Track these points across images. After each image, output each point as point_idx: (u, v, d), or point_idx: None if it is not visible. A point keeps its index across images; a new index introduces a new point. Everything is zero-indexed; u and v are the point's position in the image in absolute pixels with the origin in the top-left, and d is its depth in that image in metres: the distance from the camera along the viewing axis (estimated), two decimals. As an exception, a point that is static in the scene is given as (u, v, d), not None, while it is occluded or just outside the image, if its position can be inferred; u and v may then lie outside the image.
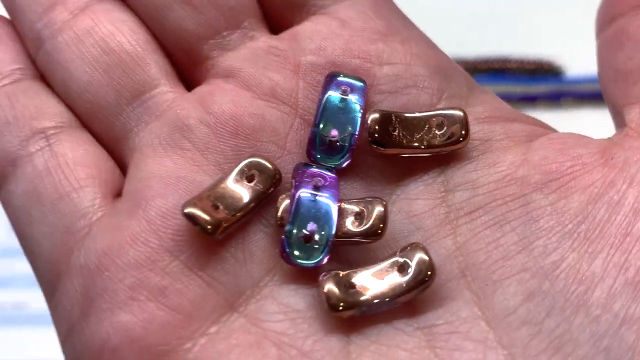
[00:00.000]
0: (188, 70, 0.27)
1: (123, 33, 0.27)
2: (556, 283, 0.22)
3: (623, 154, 0.23)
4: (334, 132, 0.24)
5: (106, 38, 0.27)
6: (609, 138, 0.25)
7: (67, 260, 0.24)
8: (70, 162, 0.25)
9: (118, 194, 0.25)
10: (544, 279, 0.22)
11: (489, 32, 0.63)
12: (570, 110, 0.59)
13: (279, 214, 0.23)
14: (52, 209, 0.25)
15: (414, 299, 0.22)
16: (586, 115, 0.57)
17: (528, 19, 0.63)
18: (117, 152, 0.27)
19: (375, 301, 0.22)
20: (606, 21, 0.27)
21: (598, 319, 0.21)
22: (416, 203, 0.24)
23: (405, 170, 0.25)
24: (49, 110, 0.27)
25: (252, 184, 0.23)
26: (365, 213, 0.23)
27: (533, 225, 0.22)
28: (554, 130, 0.26)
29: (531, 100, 0.60)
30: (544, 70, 0.61)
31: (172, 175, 0.24)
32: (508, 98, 0.59)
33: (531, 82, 0.61)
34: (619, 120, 0.25)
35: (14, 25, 0.29)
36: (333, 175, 0.24)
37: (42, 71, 0.28)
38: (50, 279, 0.25)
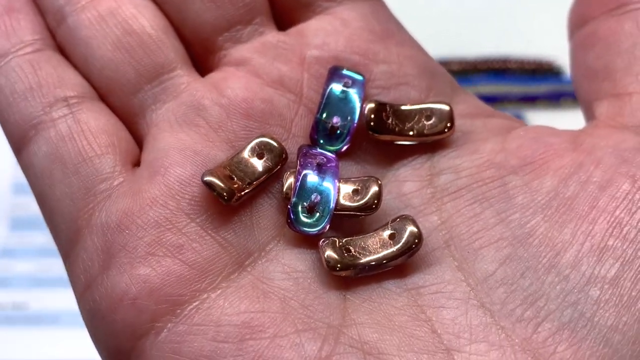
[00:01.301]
0: (201, 58, 0.31)
1: (145, 16, 0.30)
2: (530, 249, 0.25)
3: (591, 140, 0.27)
4: (336, 120, 0.28)
5: (129, 20, 0.30)
6: (580, 129, 0.29)
7: (88, 218, 0.27)
8: (92, 129, 0.28)
9: (135, 164, 0.28)
10: (519, 245, 0.26)
11: (489, 32, 0.66)
12: (570, 110, 0.62)
13: (284, 189, 0.27)
14: (75, 171, 0.28)
15: (403, 264, 0.26)
16: (585, 115, 0.61)
17: (528, 19, 0.65)
18: (132, 126, 0.30)
19: (369, 264, 0.26)
20: (578, 23, 0.31)
21: (567, 277, 0.25)
22: (405, 185, 0.28)
23: (396, 156, 0.29)
24: (71, 80, 0.29)
25: (262, 161, 0.27)
26: (362, 190, 0.27)
27: (510, 202, 0.26)
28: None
29: (531, 100, 0.63)
30: (544, 70, 0.64)
31: (189, 148, 0.27)
32: (508, 98, 0.64)
33: (531, 82, 0.64)
34: (589, 114, 0.30)
35: None
36: (334, 155, 0.28)
37: (61, 45, 0.31)
38: (69, 235, 0.28)
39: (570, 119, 0.32)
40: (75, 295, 0.28)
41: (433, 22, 0.67)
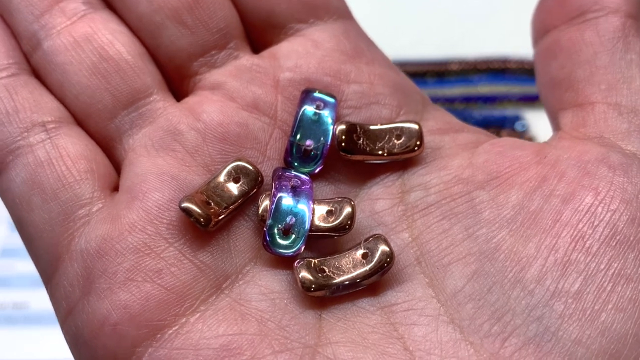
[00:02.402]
0: (176, 83, 0.32)
1: (121, 42, 0.31)
2: (496, 264, 0.26)
3: (555, 153, 0.28)
4: (309, 142, 0.29)
5: (105, 46, 0.30)
6: (545, 141, 0.30)
7: (68, 244, 0.28)
8: (71, 155, 0.29)
9: (114, 189, 0.29)
10: (486, 260, 0.27)
11: (489, 32, 0.66)
12: (569, 110, 0.64)
13: (260, 211, 0.28)
14: (54, 197, 0.28)
15: (375, 282, 0.27)
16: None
17: (528, 19, 0.66)
18: (109, 151, 0.30)
19: (343, 283, 0.27)
20: (541, 32, 0.32)
21: (532, 292, 0.25)
22: (378, 203, 0.29)
23: (368, 174, 0.30)
24: (47, 105, 0.30)
25: (238, 185, 0.28)
26: (336, 211, 0.28)
27: (477, 217, 0.27)
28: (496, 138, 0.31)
29: (531, 100, 0.64)
30: None
31: (166, 173, 0.28)
32: (508, 98, 0.65)
33: (531, 82, 0.64)
34: (555, 125, 0.31)
35: (7, 22, 0.32)
36: (308, 177, 0.29)
37: (36, 71, 0.31)
38: (50, 262, 0.28)
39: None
40: (59, 320, 0.29)
41: (433, 22, 0.68)
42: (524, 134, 0.63)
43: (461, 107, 0.64)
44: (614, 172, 0.27)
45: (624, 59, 0.30)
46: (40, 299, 0.55)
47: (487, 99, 0.65)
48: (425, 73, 0.66)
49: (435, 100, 0.64)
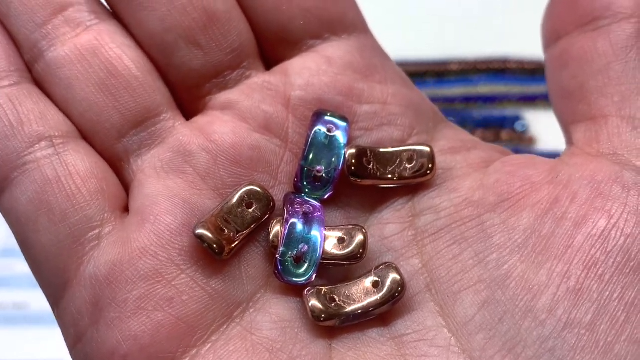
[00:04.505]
0: (185, 102, 0.30)
1: (130, 57, 0.29)
2: (507, 292, 0.26)
3: (568, 171, 0.27)
4: (319, 167, 0.29)
5: (113, 60, 0.29)
6: (558, 157, 0.29)
7: (76, 269, 0.27)
8: (81, 173, 0.27)
9: (124, 209, 0.28)
10: (497, 288, 0.26)
11: (489, 32, 0.66)
12: (569, 110, 0.63)
13: (271, 237, 0.28)
14: (63, 218, 0.27)
15: (386, 312, 0.27)
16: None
17: (528, 19, 0.65)
18: (116, 172, 0.29)
19: (354, 313, 0.27)
20: (551, 39, 0.30)
21: (544, 322, 0.25)
22: (388, 227, 0.29)
23: (378, 198, 0.29)
24: (54, 118, 0.28)
25: (251, 210, 0.28)
26: (347, 238, 0.28)
27: (487, 242, 0.27)
28: (510, 153, 0.30)
29: (531, 100, 0.64)
30: (543, 70, 0.63)
31: (178, 196, 0.27)
32: (508, 98, 0.64)
33: (531, 82, 0.64)
34: (568, 138, 0.29)
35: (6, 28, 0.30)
36: (319, 203, 0.28)
37: (38, 83, 0.29)
38: (57, 286, 0.27)
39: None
40: (67, 346, 0.28)
41: (433, 22, 0.67)
42: (523, 134, 0.63)
43: (461, 107, 0.64)
44: (628, 193, 0.26)
45: (639, 68, 0.28)
46: (40, 299, 0.52)
47: (487, 99, 0.65)
48: (425, 73, 0.65)
49: (435, 100, 0.63)
